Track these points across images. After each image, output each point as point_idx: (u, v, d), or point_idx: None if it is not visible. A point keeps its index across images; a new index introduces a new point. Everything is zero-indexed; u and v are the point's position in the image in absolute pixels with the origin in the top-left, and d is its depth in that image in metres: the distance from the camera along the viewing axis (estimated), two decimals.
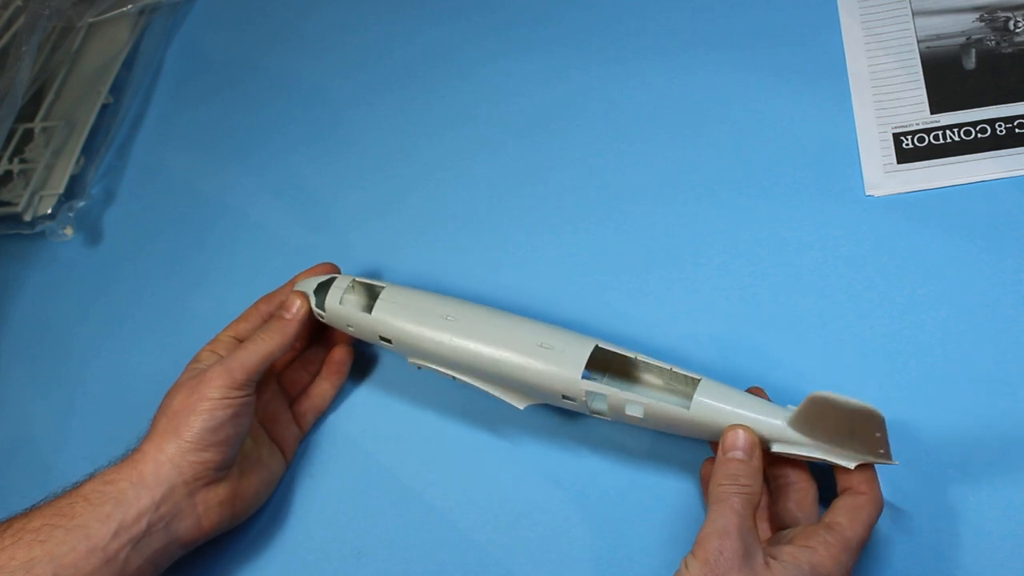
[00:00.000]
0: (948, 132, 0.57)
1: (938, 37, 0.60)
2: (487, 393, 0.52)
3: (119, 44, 0.79)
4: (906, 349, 0.51)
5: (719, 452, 0.45)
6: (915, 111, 0.58)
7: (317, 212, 0.67)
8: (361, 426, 0.58)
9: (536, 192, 0.63)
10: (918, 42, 0.60)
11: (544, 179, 0.63)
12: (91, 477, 0.51)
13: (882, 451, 0.43)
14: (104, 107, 0.76)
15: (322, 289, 0.56)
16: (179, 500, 0.50)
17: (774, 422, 0.45)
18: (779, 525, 0.47)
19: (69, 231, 0.71)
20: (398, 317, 0.53)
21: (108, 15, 0.79)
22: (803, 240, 0.56)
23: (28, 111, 0.76)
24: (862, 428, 0.43)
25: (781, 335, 0.54)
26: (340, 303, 0.55)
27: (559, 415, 0.55)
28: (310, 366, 0.59)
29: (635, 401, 0.47)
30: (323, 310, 0.55)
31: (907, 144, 0.57)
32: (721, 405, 0.46)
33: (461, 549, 0.52)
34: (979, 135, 0.56)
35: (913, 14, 0.61)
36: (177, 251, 0.69)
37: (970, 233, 0.54)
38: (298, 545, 0.55)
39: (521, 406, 0.51)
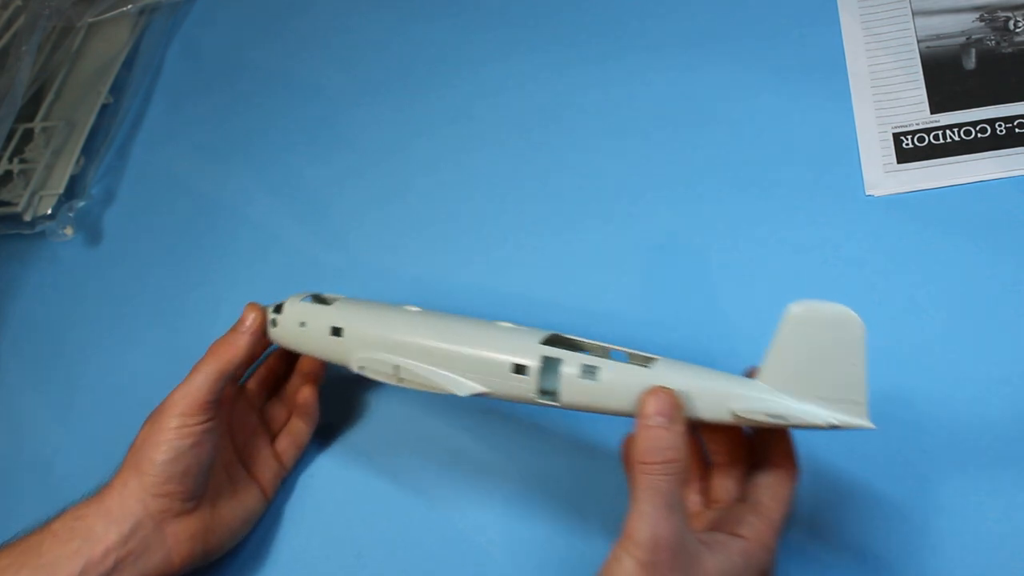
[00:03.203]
0: (948, 132, 0.57)
1: (938, 37, 0.60)
2: (428, 391, 0.48)
3: (119, 44, 0.79)
4: (906, 349, 0.51)
5: (638, 419, 0.41)
6: (915, 111, 0.58)
7: (317, 211, 0.67)
8: (360, 432, 0.58)
9: (536, 191, 0.63)
10: (918, 42, 0.60)
11: (544, 178, 0.63)
12: (62, 513, 0.50)
13: (858, 399, 0.40)
14: (104, 107, 0.76)
15: (279, 308, 0.54)
16: (147, 535, 0.49)
17: (737, 383, 0.42)
18: (711, 498, 0.46)
19: (69, 231, 0.71)
20: (354, 306, 0.52)
21: (108, 15, 0.79)
22: (803, 240, 0.56)
23: (28, 111, 0.76)
24: (840, 358, 0.39)
25: None
26: (299, 302, 0.53)
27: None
28: (289, 402, 0.58)
29: (592, 364, 0.43)
30: (279, 312, 0.53)
31: (907, 144, 0.57)
32: (683, 367, 0.43)
33: (461, 550, 0.52)
34: (979, 135, 0.56)
35: (913, 14, 0.61)
36: (177, 251, 0.69)
37: (970, 233, 0.54)
38: (298, 547, 0.55)
39: (463, 393, 0.47)
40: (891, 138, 0.58)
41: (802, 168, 0.58)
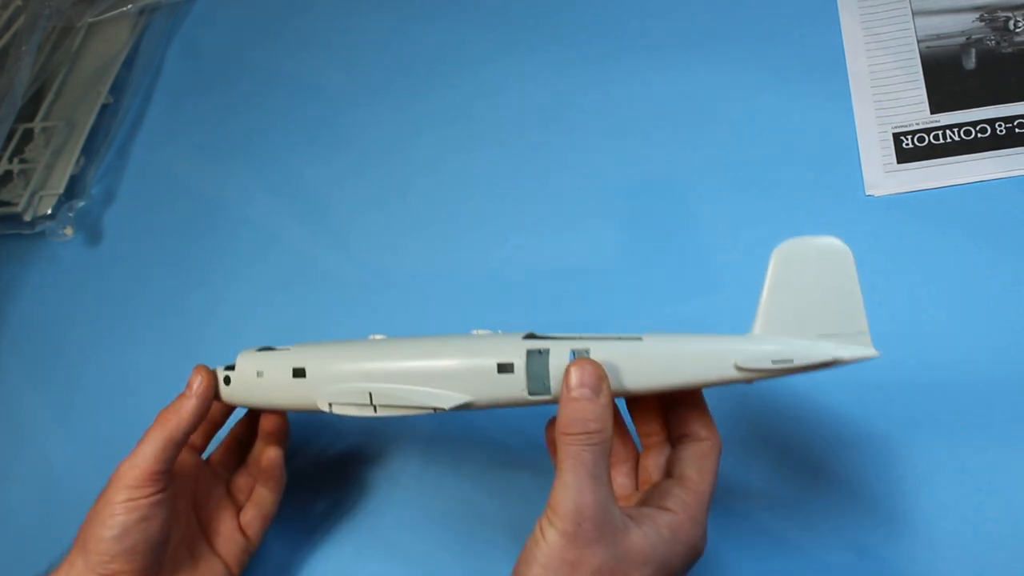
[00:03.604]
0: (948, 132, 0.57)
1: (938, 37, 0.60)
2: (408, 413, 0.45)
3: (119, 44, 0.79)
4: (906, 349, 0.51)
5: (563, 392, 0.40)
6: (915, 111, 0.58)
7: (317, 211, 0.67)
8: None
9: (535, 191, 0.63)
10: (918, 42, 0.60)
11: (543, 178, 0.63)
12: None
13: (860, 328, 0.39)
14: (104, 107, 0.76)
15: (231, 366, 0.51)
16: None
17: (736, 338, 0.40)
18: (641, 480, 0.45)
19: (69, 231, 0.71)
20: (313, 346, 0.49)
21: (108, 15, 0.79)
22: None
23: (28, 111, 0.76)
24: (834, 290, 0.39)
25: None
26: (252, 354, 0.50)
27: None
28: (254, 469, 0.54)
29: (581, 348, 0.42)
30: (231, 370, 0.50)
31: (907, 144, 0.57)
32: (676, 335, 0.42)
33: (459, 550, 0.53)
34: (979, 135, 0.56)
35: (913, 14, 0.61)
36: (177, 251, 0.69)
37: (970, 233, 0.54)
38: (298, 540, 0.55)
39: (447, 406, 0.44)
40: (891, 138, 0.58)
41: (802, 168, 0.58)
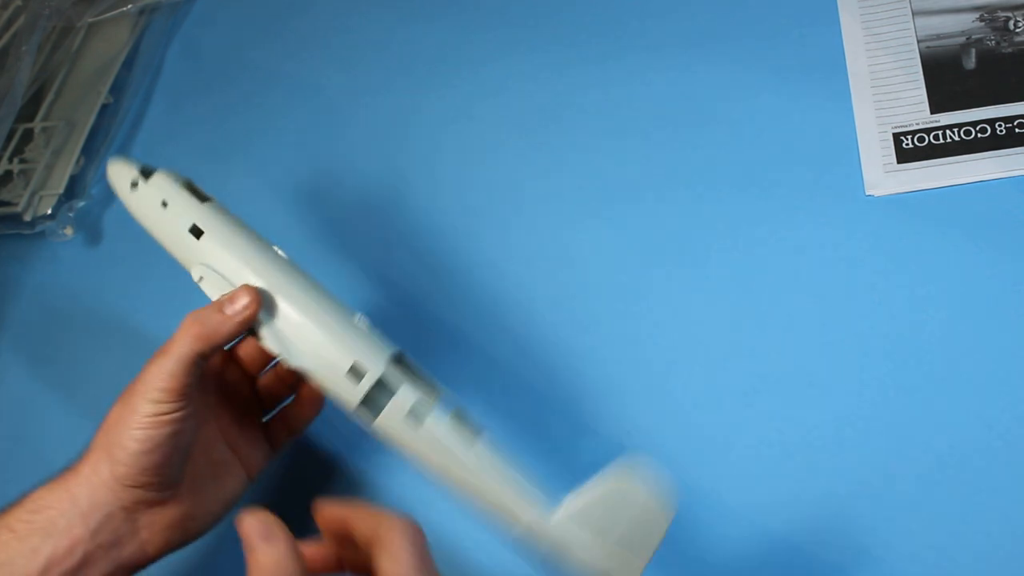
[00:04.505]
0: (948, 132, 0.57)
1: (938, 37, 0.60)
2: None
3: (119, 44, 0.79)
4: (906, 349, 0.51)
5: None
6: (915, 111, 0.58)
7: (317, 211, 0.67)
8: None
9: (535, 191, 0.63)
10: (918, 42, 0.60)
11: (542, 178, 0.63)
12: (21, 501, 0.45)
13: (640, 564, 0.41)
14: (104, 107, 0.76)
15: (147, 172, 0.51)
16: (118, 527, 0.45)
17: (531, 502, 0.42)
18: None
19: (69, 231, 0.71)
20: (225, 218, 0.49)
21: (108, 15, 0.79)
22: (803, 240, 0.56)
23: (28, 111, 0.76)
24: (642, 525, 0.41)
25: (780, 335, 0.54)
26: (171, 182, 0.50)
27: None
28: (287, 376, 0.52)
29: (420, 410, 0.44)
30: (145, 178, 0.50)
31: (907, 144, 0.57)
32: (495, 472, 0.43)
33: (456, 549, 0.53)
34: (979, 135, 0.56)
35: (913, 14, 0.61)
36: None
37: (970, 233, 0.54)
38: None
39: (291, 363, 0.46)
40: (891, 138, 0.58)
41: (802, 168, 0.58)
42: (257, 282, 0.47)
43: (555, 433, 0.54)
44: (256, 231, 0.50)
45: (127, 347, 0.66)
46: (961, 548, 0.46)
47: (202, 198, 0.50)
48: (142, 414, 0.44)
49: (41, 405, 0.65)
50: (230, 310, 0.46)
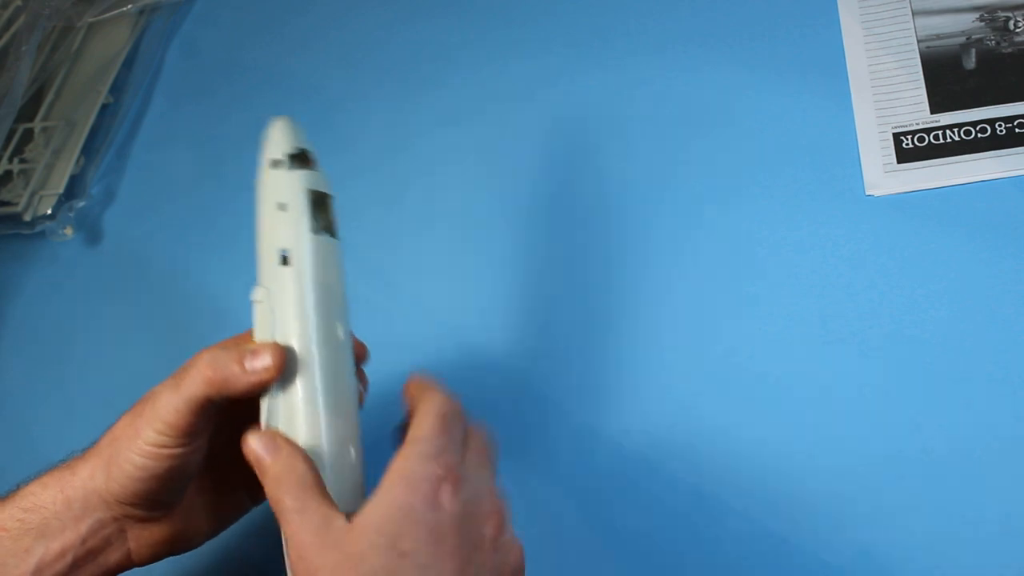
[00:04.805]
0: (948, 132, 0.57)
1: (938, 37, 0.60)
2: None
3: (119, 44, 0.79)
4: (906, 349, 0.51)
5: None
6: (915, 111, 0.58)
7: None
8: None
9: (534, 191, 0.63)
10: (918, 42, 0.60)
11: (542, 178, 0.63)
12: (12, 496, 0.44)
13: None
14: (104, 107, 0.76)
15: (304, 158, 0.46)
16: (108, 534, 0.44)
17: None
18: None
19: (69, 231, 0.71)
20: (334, 261, 0.45)
21: (108, 15, 0.79)
22: (803, 240, 0.56)
23: (28, 111, 0.76)
24: None
25: (780, 335, 0.54)
26: (304, 195, 0.45)
27: None
28: None
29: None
30: (289, 166, 0.45)
31: (907, 144, 0.57)
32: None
33: None
34: (979, 135, 0.56)
35: (913, 14, 0.61)
36: (177, 251, 0.69)
37: (970, 233, 0.54)
38: None
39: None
40: (891, 138, 0.58)
41: (802, 168, 0.58)
42: (296, 346, 0.42)
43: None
44: (343, 294, 0.45)
45: (127, 347, 0.66)
46: (961, 548, 0.46)
47: (319, 228, 0.45)
48: (144, 440, 0.42)
49: (41, 405, 0.65)
50: (249, 366, 0.42)
